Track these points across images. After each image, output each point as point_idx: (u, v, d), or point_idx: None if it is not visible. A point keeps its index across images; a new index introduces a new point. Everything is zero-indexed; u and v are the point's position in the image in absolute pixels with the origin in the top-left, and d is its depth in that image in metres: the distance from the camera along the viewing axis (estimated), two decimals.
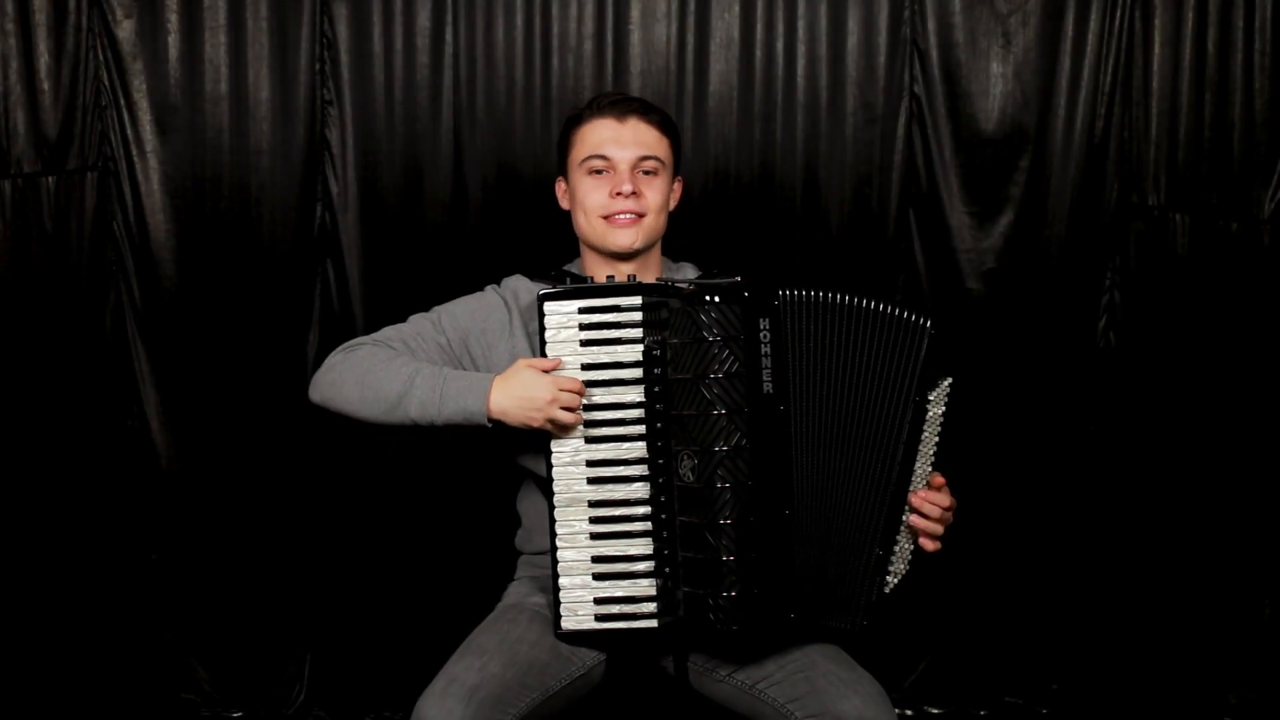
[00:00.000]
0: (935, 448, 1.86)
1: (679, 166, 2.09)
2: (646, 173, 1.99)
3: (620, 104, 2.01)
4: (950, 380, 1.85)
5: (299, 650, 2.75)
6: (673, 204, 2.08)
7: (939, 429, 1.85)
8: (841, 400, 1.81)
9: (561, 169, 2.07)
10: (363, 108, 2.64)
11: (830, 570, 1.83)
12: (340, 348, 1.99)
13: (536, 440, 1.87)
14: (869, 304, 1.80)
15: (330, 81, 2.64)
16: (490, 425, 1.85)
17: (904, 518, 1.84)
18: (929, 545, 1.86)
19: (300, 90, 2.63)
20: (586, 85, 2.62)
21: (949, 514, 1.87)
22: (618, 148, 1.98)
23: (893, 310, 1.81)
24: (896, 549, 1.84)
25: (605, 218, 1.98)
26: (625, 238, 1.98)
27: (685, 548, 1.79)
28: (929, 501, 1.84)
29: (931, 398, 1.82)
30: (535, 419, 1.82)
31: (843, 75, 2.64)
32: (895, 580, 1.84)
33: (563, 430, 1.83)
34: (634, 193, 1.97)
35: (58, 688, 2.67)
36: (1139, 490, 2.68)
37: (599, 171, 1.99)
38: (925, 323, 1.80)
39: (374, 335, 1.99)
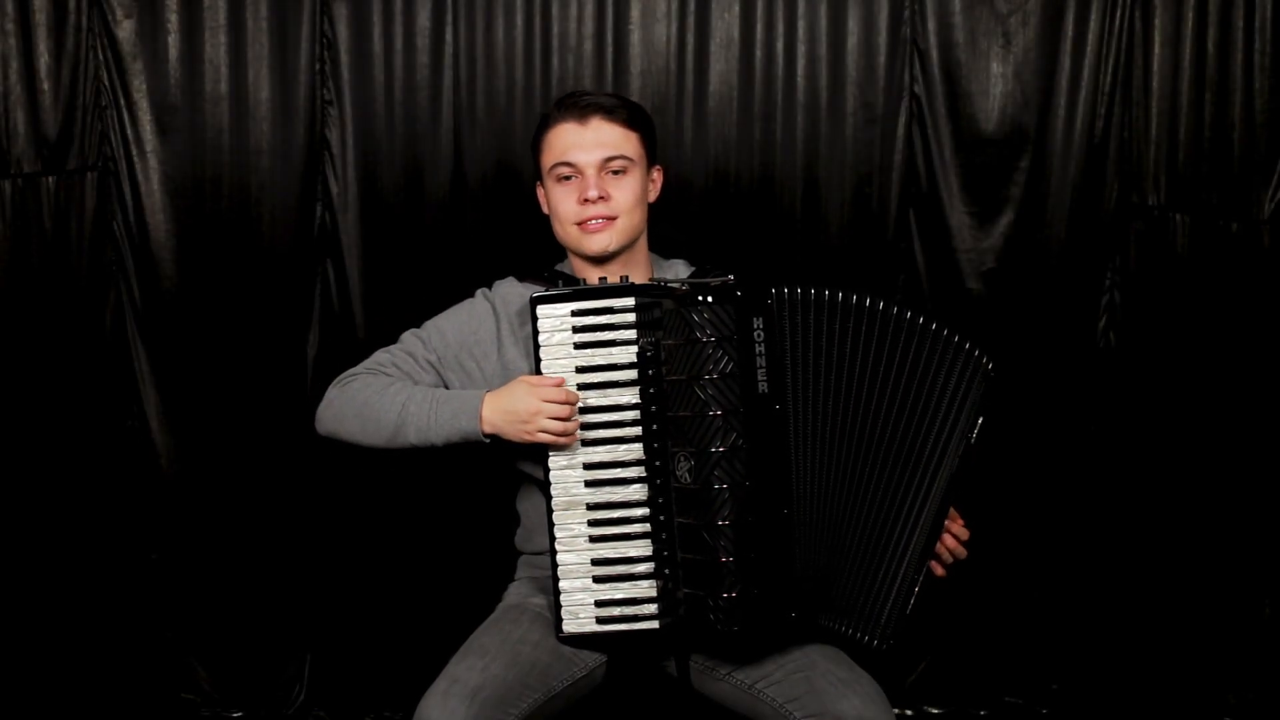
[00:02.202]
0: None
1: (655, 157, 2.07)
2: (615, 172, 1.97)
3: (580, 105, 1.98)
4: (982, 419, 1.85)
5: (299, 650, 2.75)
6: (652, 196, 2.06)
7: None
8: (859, 408, 1.81)
9: (538, 175, 2.07)
10: (363, 108, 2.63)
11: (844, 576, 1.83)
12: (336, 380, 2.02)
13: (534, 444, 1.87)
14: (919, 319, 1.82)
15: (330, 81, 2.64)
16: (488, 440, 1.87)
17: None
18: (938, 570, 1.90)
19: (300, 90, 2.63)
20: (586, 85, 2.61)
21: (962, 549, 1.91)
22: (581, 152, 1.96)
23: (949, 334, 1.82)
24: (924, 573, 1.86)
25: (579, 224, 1.98)
26: (599, 242, 1.97)
27: (684, 549, 1.79)
28: (950, 533, 1.88)
29: (973, 435, 1.83)
30: (526, 434, 1.83)
31: (843, 75, 2.64)
32: (912, 601, 1.85)
33: (555, 444, 1.83)
34: (602, 197, 1.95)
35: (58, 688, 2.68)
36: (1139, 490, 2.68)
37: (567, 178, 1.98)
38: (987, 363, 1.83)
39: (366, 363, 2.02)
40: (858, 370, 1.81)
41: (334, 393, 2.00)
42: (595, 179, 1.96)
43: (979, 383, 1.84)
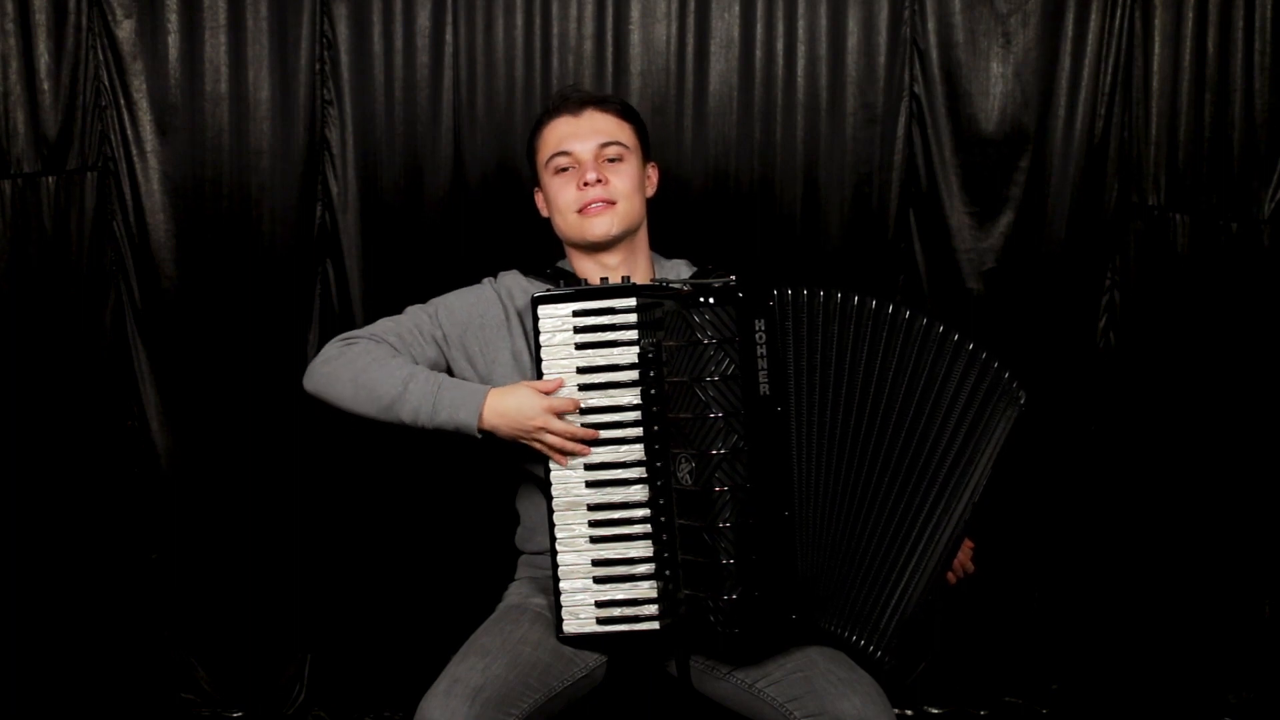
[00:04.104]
0: None
1: (649, 153, 2.09)
2: (611, 159, 1.99)
3: (573, 99, 2.02)
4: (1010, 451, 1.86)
5: (299, 650, 2.75)
6: (649, 190, 2.08)
7: None
8: (869, 416, 1.80)
9: (535, 178, 2.08)
10: (363, 108, 2.64)
11: (849, 582, 1.82)
12: (337, 339, 1.99)
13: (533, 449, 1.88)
14: (953, 336, 1.81)
15: (330, 81, 2.64)
16: (480, 437, 1.87)
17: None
18: (950, 578, 1.93)
19: (300, 90, 2.63)
20: (586, 85, 2.60)
21: (970, 564, 1.96)
22: (577, 140, 1.99)
23: (983, 354, 1.82)
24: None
25: (579, 210, 1.98)
26: (600, 225, 1.98)
27: (685, 550, 1.79)
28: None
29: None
30: (524, 439, 1.84)
31: (843, 75, 2.64)
32: (920, 615, 1.84)
33: (553, 452, 1.84)
34: (600, 180, 1.97)
35: (57, 687, 2.68)
36: (1139, 490, 2.68)
37: (565, 169, 2.00)
38: (1020, 396, 1.82)
39: (370, 329, 2.00)
40: (874, 378, 1.80)
41: (333, 351, 1.96)
42: (593, 164, 1.98)
43: (1009, 412, 1.83)
